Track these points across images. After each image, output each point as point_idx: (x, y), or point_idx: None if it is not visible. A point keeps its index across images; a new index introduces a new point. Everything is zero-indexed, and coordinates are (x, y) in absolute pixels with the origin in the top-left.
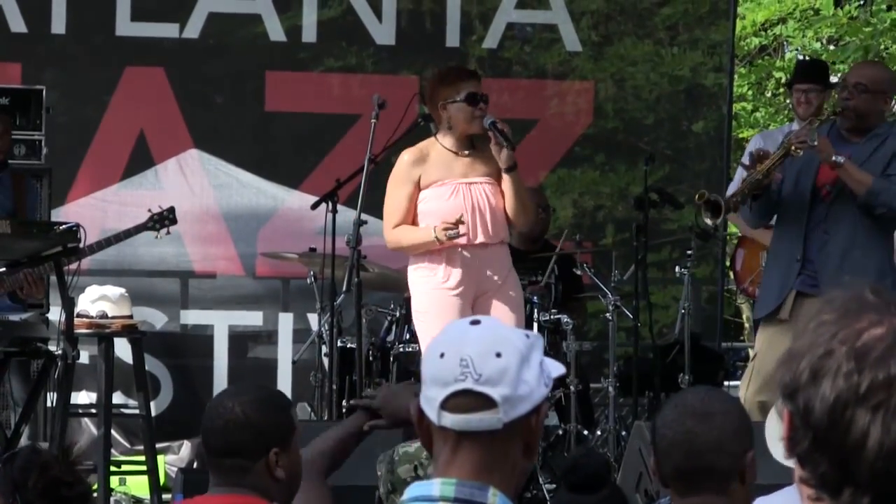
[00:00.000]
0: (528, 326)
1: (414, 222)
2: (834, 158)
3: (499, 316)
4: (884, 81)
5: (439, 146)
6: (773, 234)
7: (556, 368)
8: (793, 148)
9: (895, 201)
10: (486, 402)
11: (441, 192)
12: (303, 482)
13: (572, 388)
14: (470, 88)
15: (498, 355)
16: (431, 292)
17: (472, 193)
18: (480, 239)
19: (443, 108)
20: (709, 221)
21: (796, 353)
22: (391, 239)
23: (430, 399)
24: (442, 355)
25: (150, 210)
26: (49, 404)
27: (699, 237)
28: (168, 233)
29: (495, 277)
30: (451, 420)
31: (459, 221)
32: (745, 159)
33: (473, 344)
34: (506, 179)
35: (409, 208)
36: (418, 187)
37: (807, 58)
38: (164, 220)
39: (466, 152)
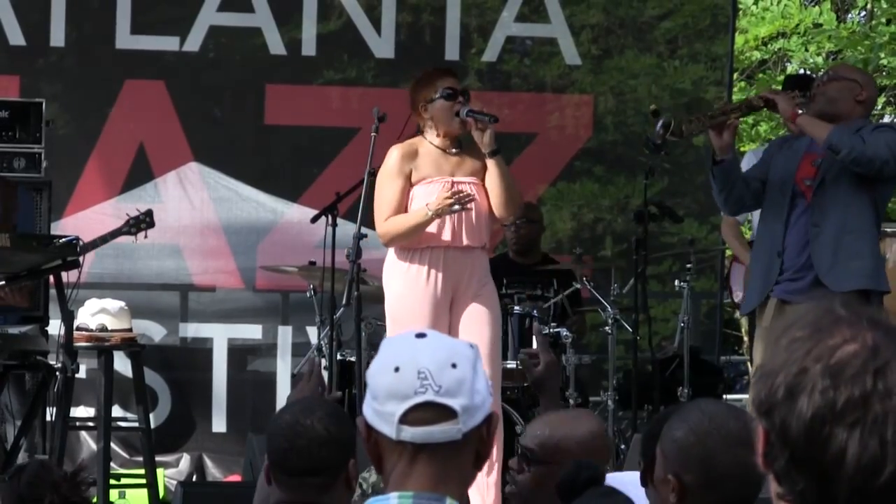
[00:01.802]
0: (528, 339)
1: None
2: (792, 111)
3: (478, 324)
4: (854, 72)
5: (427, 143)
6: (756, 233)
7: (500, 379)
8: (755, 101)
9: (856, 143)
10: (446, 414)
11: (430, 189)
12: None
13: (572, 401)
14: (447, 84)
15: (454, 366)
16: (408, 296)
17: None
18: (466, 242)
19: (424, 109)
20: (658, 132)
21: (770, 370)
22: (383, 231)
23: (387, 414)
24: (397, 369)
25: (127, 214)
26: (48, 418)
27: (645, 146)
28: (146, 237)
29: (474, 282)
30: (411, 433)
31: (460, 193)
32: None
33: (428, 356)
34: (490, 164)
35: (402, 202)
36: (410, 182)
37: (807, 71)
38: (140, 223)
39: (454, 150)
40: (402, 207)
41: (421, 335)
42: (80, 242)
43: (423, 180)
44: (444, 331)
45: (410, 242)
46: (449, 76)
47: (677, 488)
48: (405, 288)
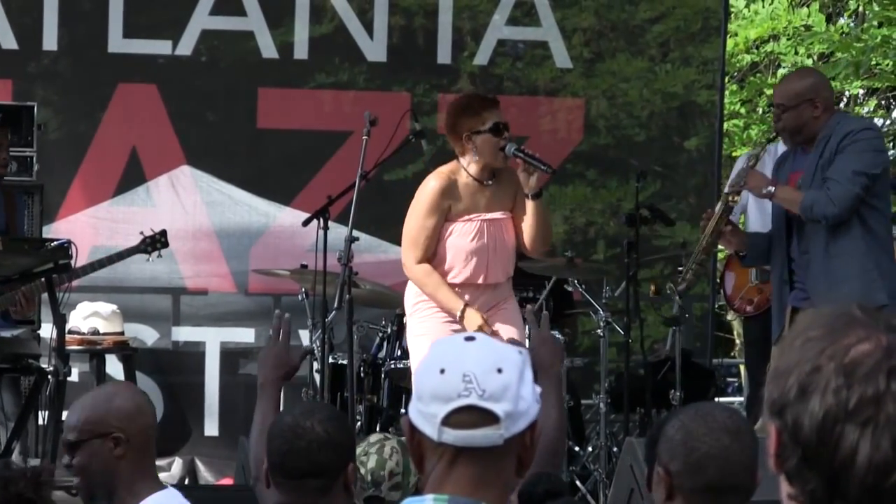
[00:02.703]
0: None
1: (436, 252)
2: (765, 191)
3: (499, 325)
4: (802, 92)
5: (464, 174)
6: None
7: (537, 387)
8: (730, 199)
9: (827, 209)
10: (489, 418)
11: (467, 229)
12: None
13: (563, 404)
14: (494, 118)
15: (499, 371)
16: (438, 325)
17: (494, 232)
18: (496, 279)
19: (468, 139)
20: (678, 296)
21: (784, 369)
22: (417, 277)
23: (430, 415)
24: (442, 371)
25: (142, 233)
26: (40, 421)
27: (668, 323)
28: (160, 255)
29: (494, 305)
30: (453, 436)
31: (487, 330)
32: (731, 180)
33: (474, 360)
34: (531, 206)
35: (434, 238)
36: (446, 217)
37: None
38: (155, 243)
39: (489, 182)
40: (434, 243)
41: (470, 338)
42: (73, 246)
43: (461, 217)
44: None
45: (444, 276)
46: (495, 108)
47: (665, 481)
48: (428, 326)
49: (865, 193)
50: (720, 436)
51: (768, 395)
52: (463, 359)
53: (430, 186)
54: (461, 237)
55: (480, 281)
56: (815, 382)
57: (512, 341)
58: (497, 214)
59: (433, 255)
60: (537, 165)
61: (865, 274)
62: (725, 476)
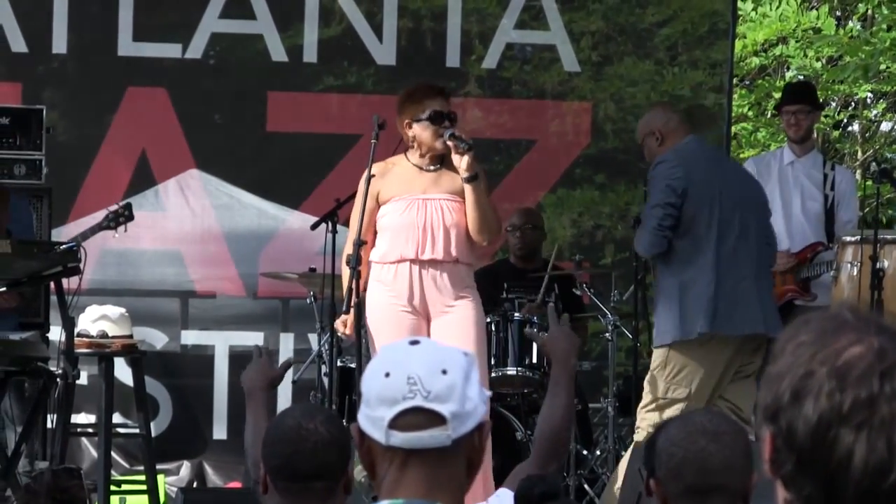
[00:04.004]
0: (528, 348)
1: (372, 236)
2: None
3: (452, 335)
4: (644, 125)
5: (405, 161)
6: None
7: (486, 390)
8: None
9: (636, 246)
10: (435, 419)
11: (397, 206)
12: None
13: (573, 397)
14: (435, 106)
15: (444, 372)
16: (386, 307)
17: (428, 209)
18: (428, 255)
19: (408, 125)
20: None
21: (776, 374)
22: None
23: (377, 419)
24: (387, 374)
25: (107, 209)
26: (49, 424)
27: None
28: (125, 230)
29: (445, 296)
30: (400, 438)
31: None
32: None
33: (419, 362)
34: (467, 190)
35: (369, 221)
36: (377, 202)
37: (800, 78)
38: (119, 217)
39: (432, 168)
40: (369, 227)
41: (415, 342)
42: (81, 249)
43: (392, 199)
44: None
45: (382, 258)
46: (439, 96)
47: (657, 489)
48: (377, 302)
49: (670, 222)
50: (696, 438)
51: (761, 401)
52: (407, 362)
53: (366, 173)
54: (392, 215)
55: (412, 255)
56: (808, 387)
57: None
58: (437, 195)
59: (371, 242)
60: (458, 144)
61: (671, 310)
62: (704, 478)
